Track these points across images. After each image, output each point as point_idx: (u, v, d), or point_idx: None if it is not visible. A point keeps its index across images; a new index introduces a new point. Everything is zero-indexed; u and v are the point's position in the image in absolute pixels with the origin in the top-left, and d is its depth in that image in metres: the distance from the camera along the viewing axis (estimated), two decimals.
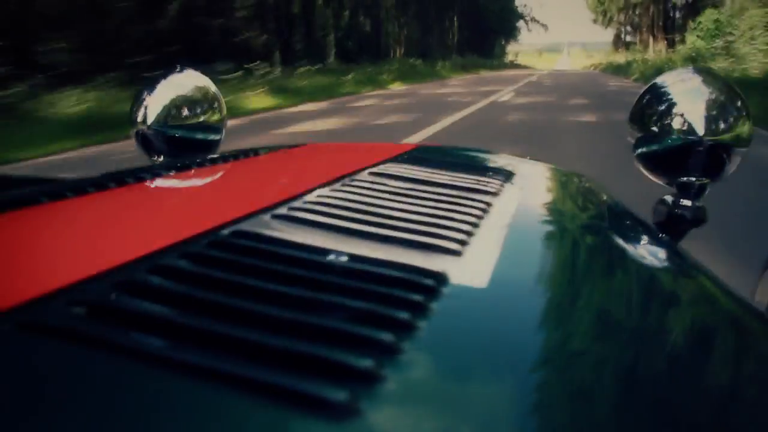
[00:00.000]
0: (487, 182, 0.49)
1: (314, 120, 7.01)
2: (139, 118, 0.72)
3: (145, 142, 0.73)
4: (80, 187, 0.41)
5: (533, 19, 49.73)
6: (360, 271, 0.26)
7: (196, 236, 0.30)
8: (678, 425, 0.21)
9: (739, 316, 0.36)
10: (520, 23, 50.07)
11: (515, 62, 52.88)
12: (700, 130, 0.60)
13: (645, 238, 0.47)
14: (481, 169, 0.57)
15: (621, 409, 0.21)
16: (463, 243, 0.32)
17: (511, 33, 49.19)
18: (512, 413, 0.19)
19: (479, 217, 0.37)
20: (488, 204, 0.41)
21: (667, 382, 0.24)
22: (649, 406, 0.21)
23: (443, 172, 0.51)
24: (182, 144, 0.73)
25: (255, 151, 0.64)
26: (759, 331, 0.34)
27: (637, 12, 34.19)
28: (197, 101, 0.74)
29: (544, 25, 51.38)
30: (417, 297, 0.24)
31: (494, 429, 0.18)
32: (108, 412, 0.16)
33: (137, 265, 0.25)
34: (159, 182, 0.47)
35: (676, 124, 0.61)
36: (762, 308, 0.56)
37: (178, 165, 0.53)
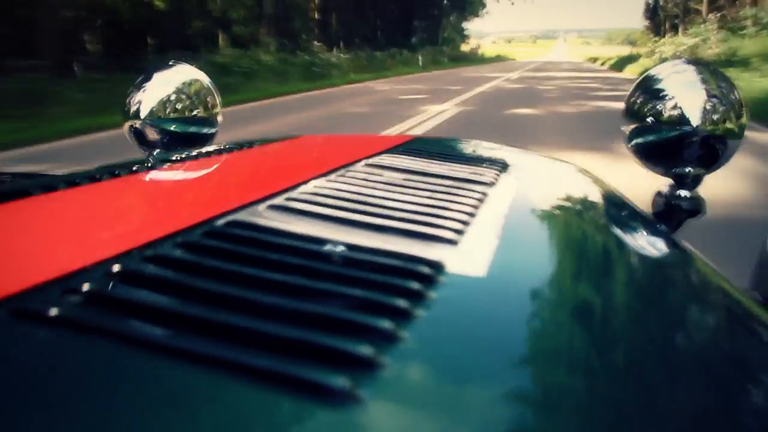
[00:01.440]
0: (483, 172, 0.50)
1: None
2: (133, 112, 0.74)
3: (139, 135, 0.75)
4: (75, 181, 0.42)
5: None
6: (357, 259, 0.27)
7: (191, 226, 0.30)
8: (675, 415, 0.22)
9: (737, 306, 0.37)
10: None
11: (476, 53, 34.88)
12: (695, 120, 0.62)
13: (642, 229, 0.49)
14: (476, 159, 0.58)
15: (616, 396, 0.22)
16: (458, 232, 0.33)
17: (462, 5, 30.77)
18: (509, 401, 0.19)
19: (475, 207, 0.39)
20: (484, 194, 0.43)
21: (665, 371, 0.24)
22: (645, 395, 0.22)
23: (439, 163, 0.53)
24: (177, 137, 0.75)
25: (250, 143, 0.65)
26: (756, 320, 0.34)
27: None
28: (191, 94, 0.76)
29: None
30: (414, 285, 0.25)
31: (491, 417, 0.18)
32: (103, 400, 0.17)
33: (132, 254, 0.26)
34: (154, 174, 0.49)
35: (671, 114, 0.63)
36: (758, 298, 0.56)
37: (173, 157, 0.54)
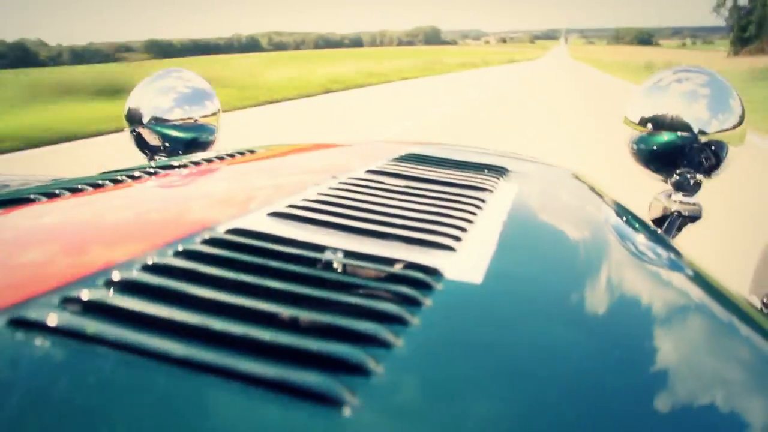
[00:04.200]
0: (483, 179, 0.55)
1: None
2: (135, 117, 0.81)
3: (140, 140, 0.82)
4: (76, 187, 0.47)
5: None
6: (355, 267, 0.30)
7: (192, 234, 0.33)
8: (675, 421, 0.23)
9: (736, 312, 0.39)
10: None
11: None
12: (696, 127, 0.68)
13: (640, 234, 0.52)
14: (476, 166, 0.63)
15: (614, 403, 0.23)
16: (456, 239, 0.36)
17: None
18: (504, 408, 0.21)
19: (473, 214, 0.42)
20: (482, 200, 0.47)
21: (663, 377, 0.26)
22: (644, 401, 0.23)
23: (439, 170, 0.58)
24: (178, 142, 0.82)
25: (251, 150, 0.71)
26: (755, 326, 0.36)
27: None
28: (192, 100, 0.82)
29: None
30: (410, 292, 0.27)
31: (485, 425, 0.20)
32: (103, 410, 0.18)
33: (133, 262, 0.28)
34: (155, 181, 0.53)
35: (672, 121, 0.69)
36: (757, 303, 0.61)
37: (175, 163, 0.60)
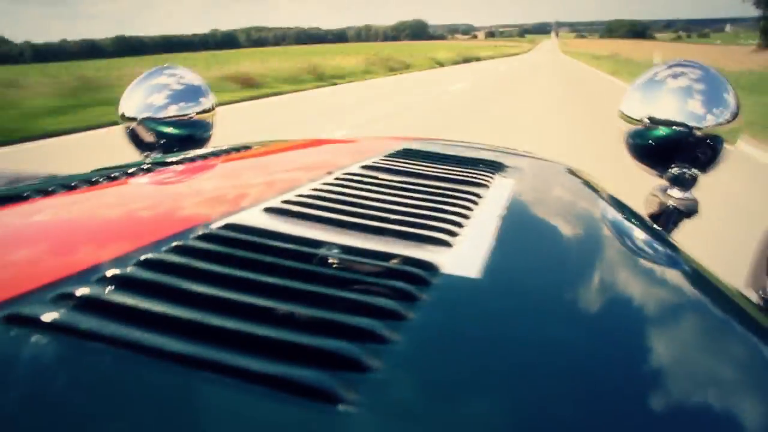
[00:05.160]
0: (478, 174, 0.56)
1: None
2: (129, 114, 0.84)
3: (134, 137, 0.84)
4: (71, 184, 0.49)
5: None
6: (351, 262, 0.31)
7: (188, 230, 0.34)
8: (670, 415, 0.24)
9: (732, 307, 0.40)
10: None
11: None
12: (691, 121, 0.71)
13: (637, 230, 0.53)
14: (472, 161, 0.64)
15: (609, 399, 0.24)
16: (452, 234, 0.37)
17: None
18: (500, 403, 0.22)
19: (469, 209, 0.43)
20: (478, 196, 0.48)
21: (660, 372, 0.27)
22: (641, 397, 0.24)
23: (435, 165, 0.59)
24: (173, 139, 0.84)
25: (247, 146, 0.73)
26: (752, 320, 0.38)
27: None
28: (187, 96, 0.85)
29: None
30: (406, 287, 0.28)
31: (481, 420, 0.20)
32: (98, 406, 0.19)
33: (128, 258, 0.29)
34: (151, 177, 0.55)
35: (668, 116, 0.72)
36: (754, 297, 0.61)
37: (170, 160, 0.62)
